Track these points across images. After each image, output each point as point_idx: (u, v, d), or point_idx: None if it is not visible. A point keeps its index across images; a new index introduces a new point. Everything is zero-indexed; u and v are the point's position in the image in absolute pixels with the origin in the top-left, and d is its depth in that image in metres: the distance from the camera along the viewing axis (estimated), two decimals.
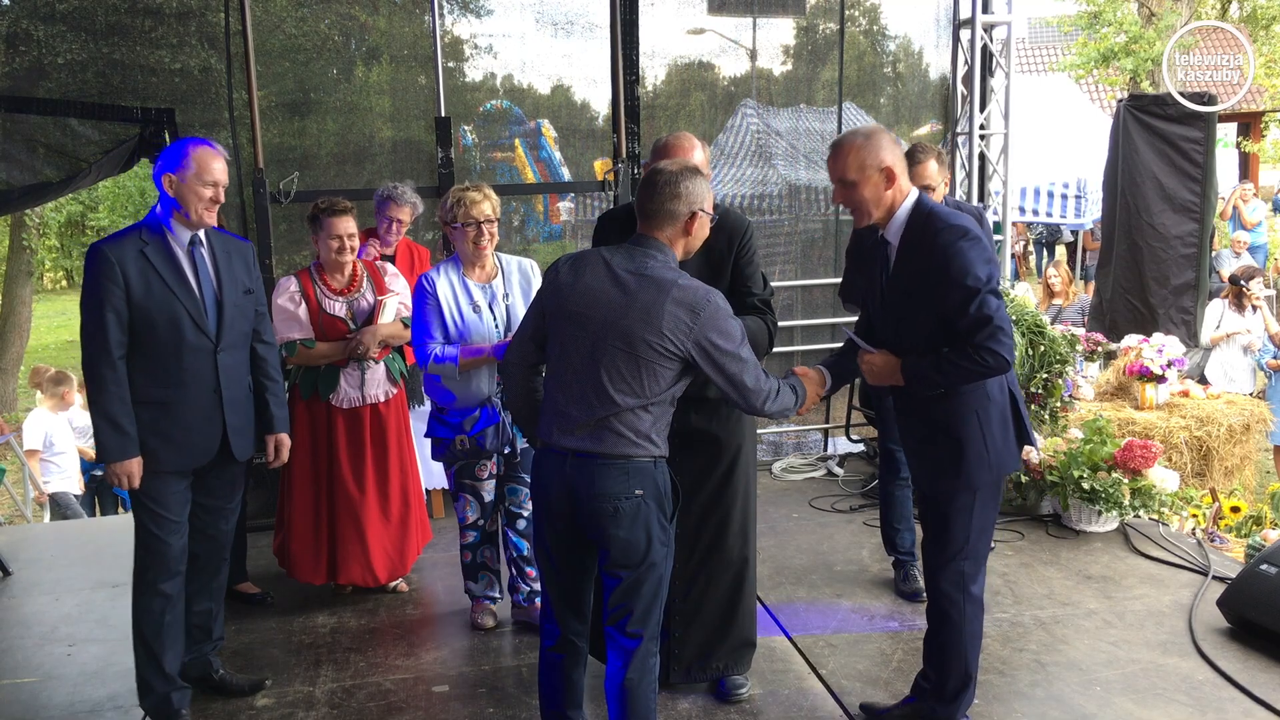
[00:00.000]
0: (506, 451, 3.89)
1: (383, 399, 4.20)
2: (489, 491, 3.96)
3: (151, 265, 3.11)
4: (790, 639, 3.87)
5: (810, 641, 3.84)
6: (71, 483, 6.97)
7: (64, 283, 28.10)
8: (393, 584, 4.40)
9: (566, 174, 6.62)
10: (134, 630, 3.24)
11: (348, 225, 4.01)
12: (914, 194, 2.92)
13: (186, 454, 3.22)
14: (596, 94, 6.36)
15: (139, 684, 3.27)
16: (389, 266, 4.32)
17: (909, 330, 2.93)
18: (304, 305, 4.05)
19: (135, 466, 3.12)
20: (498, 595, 4.10)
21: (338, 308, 4.09)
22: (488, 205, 3.71)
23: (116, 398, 3.08)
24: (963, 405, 2.90)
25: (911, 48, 6.88)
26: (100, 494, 7.19)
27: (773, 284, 3.59)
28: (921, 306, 2.87)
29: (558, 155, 6.76)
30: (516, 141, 6.62)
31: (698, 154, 3.25)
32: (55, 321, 20.65)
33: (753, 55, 6.64)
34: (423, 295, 3.75)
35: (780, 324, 4.01)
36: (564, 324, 2.68)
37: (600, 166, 6.24)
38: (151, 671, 3.24)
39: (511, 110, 6.38)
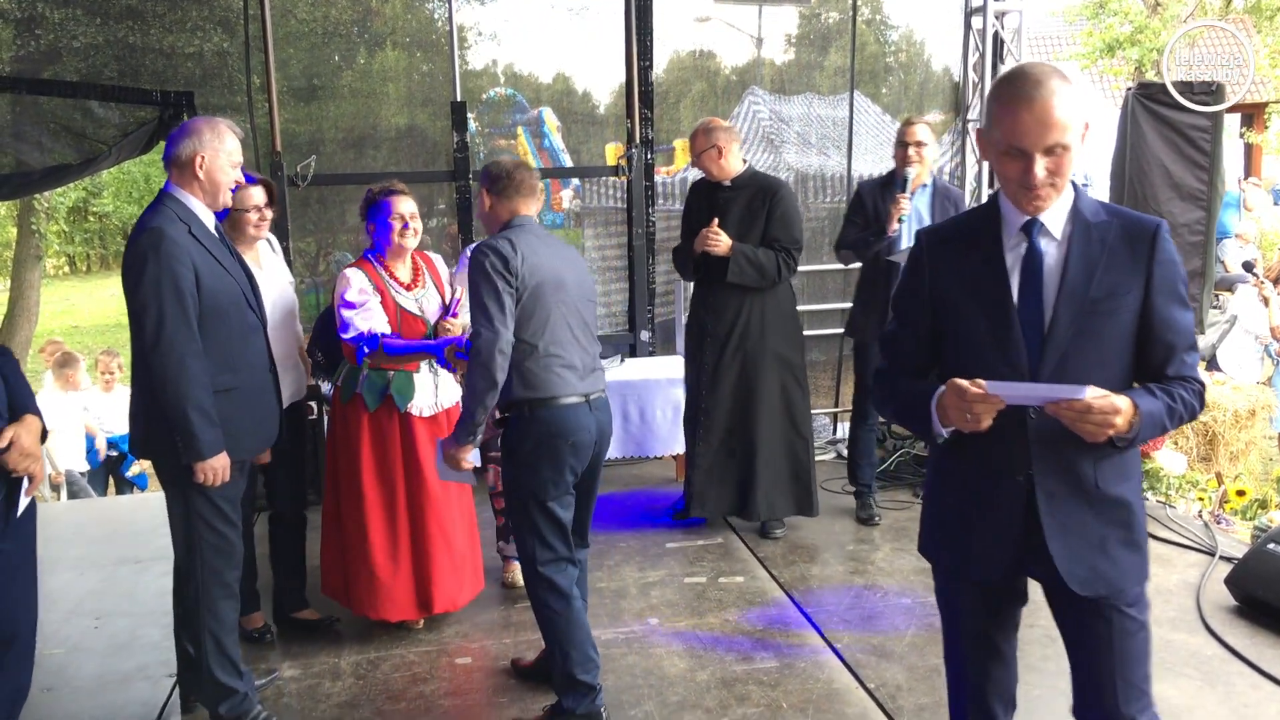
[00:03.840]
0: None
1: (456, 402, 3.82)
2: None
3: (203, 245, 2.92)
4: (805, 615, 3.93)
5: (825, 617, 3.90)
6: (76, 462, 7.02)
7: (66, 269, 28.10)
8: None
9: (568, 161, 6.64)
10: (205, 638, 3.01)
11: (409, 205, 3.71)
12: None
13: (256, 440, 3.13)
14: (600, 81, 6.39)
15: (216, 690, 3.05)
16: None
17: (1095, 359, 2.00)
18: (379, 298, 3.67)
19: (227, 460, 2.93)
20: None
21: (413, 305, 3.73)
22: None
23: (206, 389, 2.86)
24: (1131, 464, 2.08)
25: (916, 36, 6.92)
26: (114, 474, 7.24)
27: None
28: (1118, 326, 2.01)
29: (559, 142, 6.79)
30: (519, 129, 6.67)
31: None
32: (59, 306, 20.66)
33: (758, 43, 6.67)
34: None
35: None
36: (548, 294, 3.07)
37: (613, 151, 6.27)
38: (232, 675, 3.07)
39: (514, 98, 6.42)
